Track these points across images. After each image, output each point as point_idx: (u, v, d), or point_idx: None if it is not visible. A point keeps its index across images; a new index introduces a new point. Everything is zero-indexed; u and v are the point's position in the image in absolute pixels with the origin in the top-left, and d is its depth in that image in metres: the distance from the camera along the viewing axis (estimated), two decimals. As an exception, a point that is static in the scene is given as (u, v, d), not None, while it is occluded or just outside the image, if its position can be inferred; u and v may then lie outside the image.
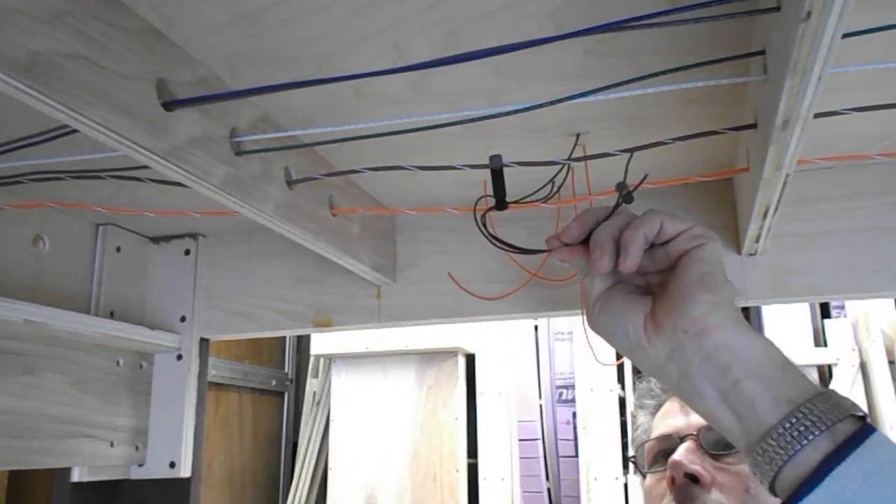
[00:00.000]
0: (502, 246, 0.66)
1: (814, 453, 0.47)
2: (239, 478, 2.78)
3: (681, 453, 0.74)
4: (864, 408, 2.35)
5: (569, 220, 0.62)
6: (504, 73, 0.66)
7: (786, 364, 0.52)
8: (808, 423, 0.48)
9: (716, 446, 0.75)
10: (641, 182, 0.64)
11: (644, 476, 0.84)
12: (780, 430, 0.48)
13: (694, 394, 0.53)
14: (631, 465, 0.87)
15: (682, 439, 0.77)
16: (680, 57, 0.61)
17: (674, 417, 0.82)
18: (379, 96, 0.70)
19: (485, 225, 0.67)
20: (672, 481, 0.74)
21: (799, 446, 0.47)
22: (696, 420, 0.77)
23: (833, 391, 0.51)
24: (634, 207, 0.60)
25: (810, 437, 0.47)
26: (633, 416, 0.93)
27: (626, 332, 0.56)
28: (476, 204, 0.70)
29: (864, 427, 0.48)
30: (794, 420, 0.48)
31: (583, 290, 0.61)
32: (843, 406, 0.49)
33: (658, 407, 0.87)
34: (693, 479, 0.73)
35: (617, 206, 0.60)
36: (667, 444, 0.79)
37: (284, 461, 3.06)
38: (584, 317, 0.61)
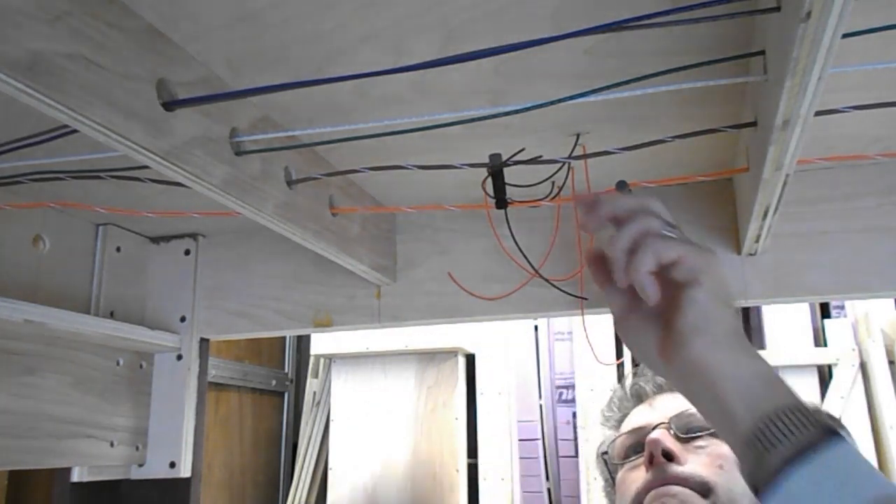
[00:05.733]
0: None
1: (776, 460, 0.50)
2: (239, 478, 2.77)
3: (657, 433, 0.78)
4: (864, 408, 2.35)
5: (568, 220, 0.61)
6: (504, 73, 0.66)
7: (769, 381, 0.55)
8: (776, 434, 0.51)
9: (687, 431, 0.79)
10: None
11: (612, 476, 0.86)
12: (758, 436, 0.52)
13: (693, 404, 0.59)
14: (599, 468, 0.89)
15: (653, 428, 0.79)
16: (680, 57, 0.61)
17: (642, 414, 0.86)
18: (379, 96, 0.70)
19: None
20: (650, 460, 0.77)
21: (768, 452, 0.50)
22: (665, 413, 0.82)
23: (818, 409, 0.51)
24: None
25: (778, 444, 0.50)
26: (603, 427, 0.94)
27: (642, 354, 0.63)
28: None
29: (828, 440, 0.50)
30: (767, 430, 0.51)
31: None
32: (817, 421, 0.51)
33: (621, 420, 0.90)
34: (668, 457, 0.76)
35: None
36: (639, 436, 0.83)
37: (284, 461, 3.06)
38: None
